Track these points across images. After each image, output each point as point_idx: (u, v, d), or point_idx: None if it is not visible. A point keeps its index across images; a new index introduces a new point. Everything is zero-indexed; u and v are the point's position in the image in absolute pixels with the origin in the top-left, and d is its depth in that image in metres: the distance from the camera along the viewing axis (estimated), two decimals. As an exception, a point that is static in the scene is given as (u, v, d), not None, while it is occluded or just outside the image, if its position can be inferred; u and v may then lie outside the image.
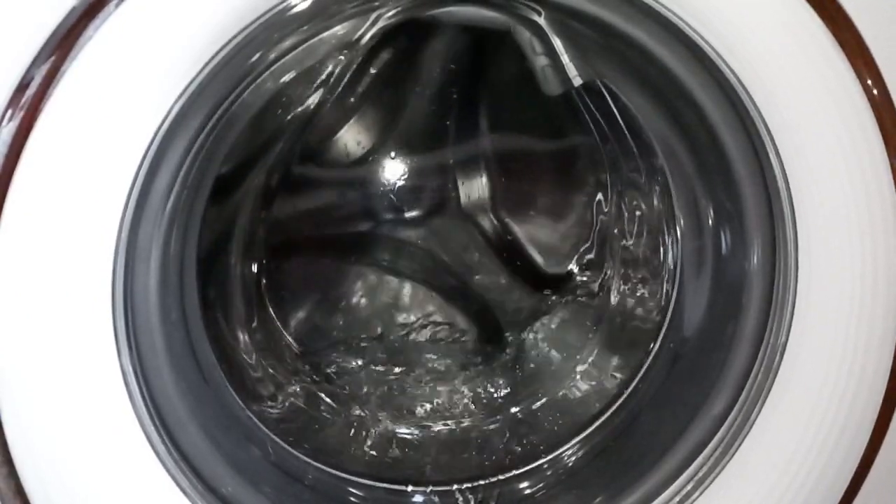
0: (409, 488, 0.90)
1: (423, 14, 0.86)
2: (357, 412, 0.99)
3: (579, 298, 1.05)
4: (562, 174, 1.08)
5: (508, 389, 1.02)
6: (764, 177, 0.75)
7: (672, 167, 0.87)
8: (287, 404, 0.97)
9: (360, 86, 0.96)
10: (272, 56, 0.76)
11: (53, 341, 0.63)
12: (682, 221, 0.88)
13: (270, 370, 0.97)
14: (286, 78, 0.79)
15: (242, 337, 0.95)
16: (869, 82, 0.70)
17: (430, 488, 0.90)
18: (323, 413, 0.98)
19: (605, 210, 1.03)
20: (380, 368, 1.04)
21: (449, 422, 1.00)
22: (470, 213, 1.09)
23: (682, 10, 0.70)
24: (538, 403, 1.00)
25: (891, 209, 0.72)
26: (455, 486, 0.90)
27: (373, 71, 0.96)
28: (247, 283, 0.96)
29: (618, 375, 0.95)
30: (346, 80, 0.90)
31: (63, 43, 0.60)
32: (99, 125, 0.62)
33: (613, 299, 1.01)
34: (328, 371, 1.03)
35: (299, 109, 0.91)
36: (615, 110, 0.90)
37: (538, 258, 1.09)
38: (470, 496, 0.89)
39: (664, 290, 0.92)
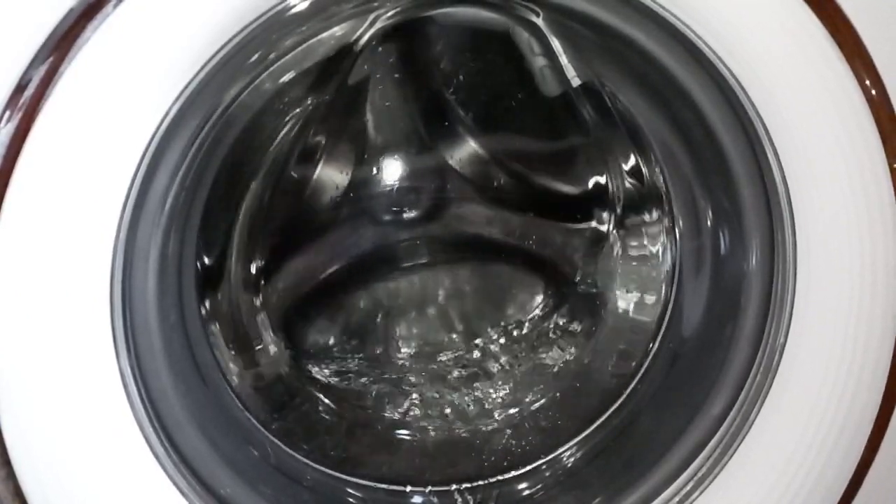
0: (408, 489, 0.90)
1: (422, 15, 0.86)
2: (355, 413, 0.99)
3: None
4: (560, 175, 1.08)
5: (507, 390, 1.02)
6: (762, 177, 0.75)
7: (670, 167, 0.87)
8: (285, 405, 0.96)
9: (359, 87, 0.96)
10: (271, 57, 0.76)
11: (52, 343, 0.63)
12: (680, 222, 0.88)
13: (269, 371, 0.97)
14: (285, 78, 0.79)
15: (241, 339, 0.95)
16: (867, 83, 0.70)
17: (428, 489, 0.90)
18: (322, 414, 0.98)
19: (604, 211, 1.03)
20: (379, 370, 1.04)
21: (447, 422, 1.00)
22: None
23: (681, 11, 0.70)
24: (537, 404, 1.00)
25: (889, 209, 0.72)
26: (454, 487, 0.90)
27: (371, 72, 0.96)
28: (245, 285, 0.96)
29: (617, 376, 0.95)
30: (344, 80, 0.90)
31: (61, 44, 0.60)
32: (97, 126, 0.62)
33: (612, 299, 1.01)
34: (326, 372, 1.03)
35: (298, 110, 0.91)
36: (614, 111, 0.90)
37: (560, 186, 1.04)
38: (469, 497, 0.89)
39: (663, 291, 0.92)
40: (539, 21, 0.82)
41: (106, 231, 0.63)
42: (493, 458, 0.94)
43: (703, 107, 0.75)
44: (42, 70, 0.60)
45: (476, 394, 1.02)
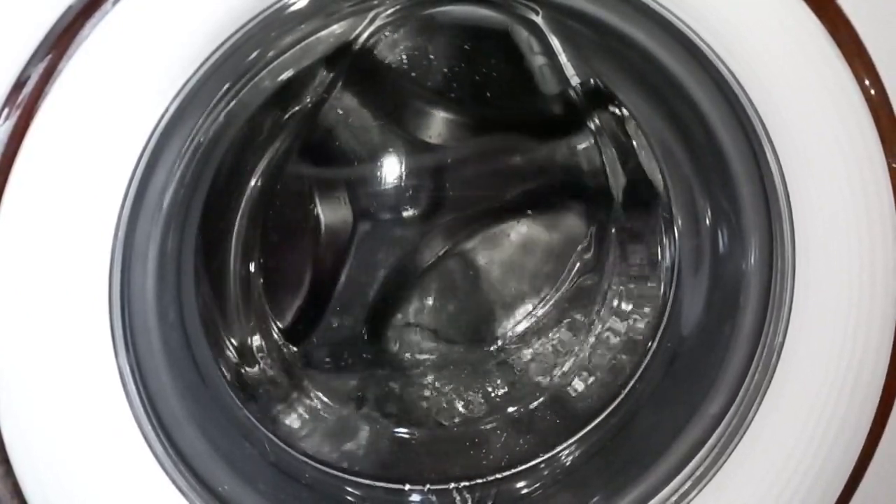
0: (407, 487, 0.90)
1: (421, 13, 0.86)
2: (354, 411, 0.99)
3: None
4: (559, 174, 1.08)
5: (506, 388, 1.02)
6: (761, 176, 0.75)
7: (669, 166, 0.87)
8: (284, 404, 0.96)
9: (358, 84, 0.96)
10: (270, 54, 0.76)
11: (51, 341, 0.63)
12: (679, 221, 0.88)
13: (267, 370, 0.97)
14: (284, 76, 0.79)
15: (240, 337, 0.95)
16: (867, 82, 0.70)
17: (427, 487, 0.90)
18: (320, 412, 0.98)
19: (603, 211, 1.03)
20: (377, 368, 1.04)
21: (446, 421, 1.00)
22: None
23: (680, 10, 0.70)
24: (535, 403, 1.00)
25: (888, 209, 0.72)
26: (452, 485, 0.90)
27: (370, 70, 0.96)
28: (244, 283, 0.96)
29: (615, 375, 0.95)
30: (343, 78, 0.90)
31: (60, 41, 0.60)
32: (96, 124, 0.62)
33: (611, 300, 1.01)
34: (325, 370, 1.03)
35: (297, 108, 0.91)
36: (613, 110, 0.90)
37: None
38: (467, 495, 0.89)
39: (662, 290, 0.92)
40: (538, 19, 0.82)
41: (104, 229, 0.63)
42: (491, 457, 0.94)
43: (702, 106, 0.75)
44: (41, 67, 0.60)
45: (476, 392, 1.02)
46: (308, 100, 0.90)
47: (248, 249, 0.95)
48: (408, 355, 1.06)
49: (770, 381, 0.75)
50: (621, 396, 0.92)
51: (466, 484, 0.90)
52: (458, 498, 0.89)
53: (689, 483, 0.78)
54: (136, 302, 0.68)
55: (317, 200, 1.04)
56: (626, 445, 0.88)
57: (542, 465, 0.92)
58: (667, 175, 0.87)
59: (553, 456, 0.92)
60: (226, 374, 0.85)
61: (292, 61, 0.79)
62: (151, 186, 0.67)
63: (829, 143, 0.71)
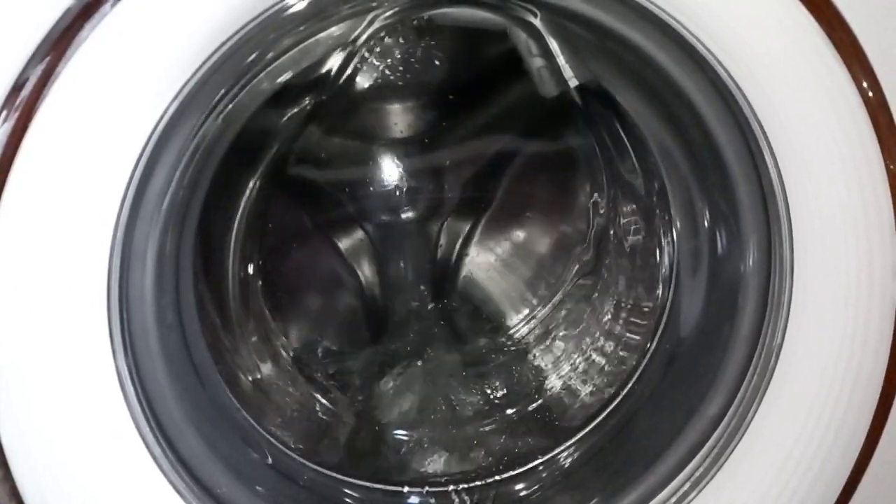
0: (405, 489, 0.90)
1: (420, 15, 0.86)
2: (353, 413, 0.99)
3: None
4: (558, 175, 1.08)
5: (505, 390, 1.02)
6: (759, 177, 0.75)
7: (668, 168, 0.87)
8: (283, 405, 0.96)
9: (356, 87, 0.96)
10: (269, 56, 0.76)
11: (49, 343, 0.63)
12: (677, 222, 0.88)
13: (267, 372, 0.97)
14: (283, 78, 0.79)
15: (238, 339, 0.95)
16: (864, 84, 0.70)
17: (426, 489, 0.90)
18: (319, 415, 0.98)
19: (601, 212, 1.03)
20: (376, 370, 1.04)
21: (445, 423, 1.00)
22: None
23: (678, 12, 0.70)
24: (534, 404, 1.00)
25: (886, 210, 0.72)
26: (451, 487, 0.90)
27: (369, 72, 0.96)
28: (243, 285, 0.96)
29: (614, 376, 0.95)
30: (342, 80, 0.90)
31: (58, 43, 0.60)
32: (94, 126, 0.62)
33: (610, 301, 1.02)
34: (324, 373, 1.03)
35: (296, 110, 0.91)
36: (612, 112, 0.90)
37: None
38: (466, 497, 0.89)
39: (660, 291, 0.92)
40: (537, 22, 0.82)
41: (103, 230, 0.63)
42: (490, 459, 0.94)
43: (700, 108, 0.75)
44: (39, 69, 0.60)
45: (475, 394, 1.02)
46: (307, 101, 0.90)
47: (246, 251, 0.95)
48: (407, 356, 1.06)
49: (769, 383, 0.75)
50: (620, 398, 0.92)
51: (465, 486, 0.90)
52: (456, 500, 0.89)
53: (688, 484, 0.78)
54: (135, 303, 0.68)
55: (315, 202, 1.04)
56: (624, 447, 0.88)
57: (541, 467, 0.92)
58: (665, 176, 0.87)
59: (552, 458, 0.92)
60: (224, 375, 0.85)
61: (291, 63, 0.79)
62: (150, 188, 0.67)
63: (827, 144, 0.71)
